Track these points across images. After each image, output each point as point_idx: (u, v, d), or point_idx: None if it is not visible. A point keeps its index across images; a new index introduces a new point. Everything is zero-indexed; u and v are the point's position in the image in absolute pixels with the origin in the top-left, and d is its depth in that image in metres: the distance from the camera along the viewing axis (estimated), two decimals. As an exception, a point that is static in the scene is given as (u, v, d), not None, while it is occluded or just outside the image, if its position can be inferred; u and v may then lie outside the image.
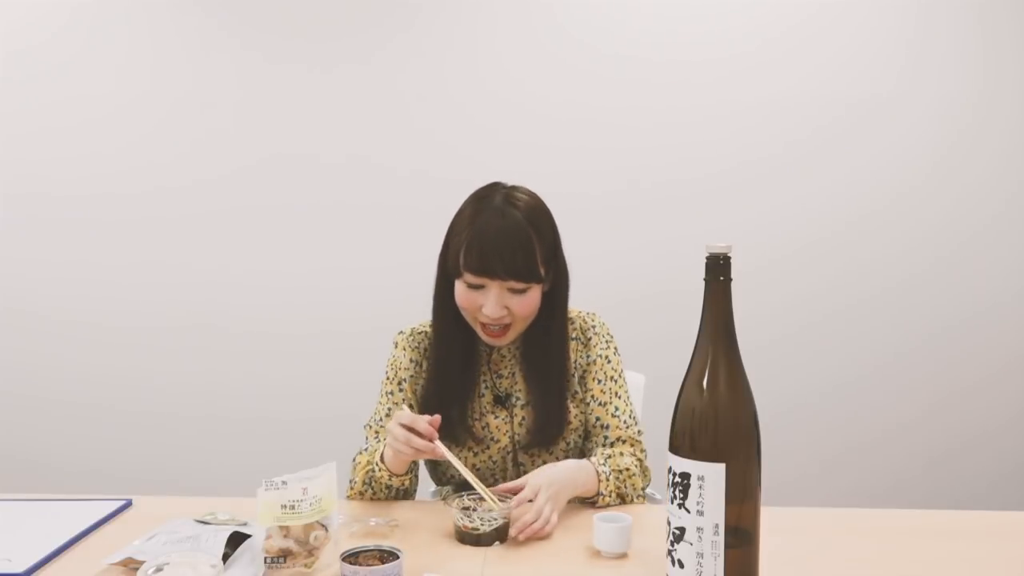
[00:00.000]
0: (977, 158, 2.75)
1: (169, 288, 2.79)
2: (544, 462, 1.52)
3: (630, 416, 1.55)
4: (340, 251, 2.78)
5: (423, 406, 1.53)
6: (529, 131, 2.73)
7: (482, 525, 1.25)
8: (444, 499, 1.40)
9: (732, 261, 1.00)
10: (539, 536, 1.26)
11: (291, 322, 2.79)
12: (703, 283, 1.01)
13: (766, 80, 2.73)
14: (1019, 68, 2.73)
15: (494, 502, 1.28)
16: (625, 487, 1.45)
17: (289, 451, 2.76)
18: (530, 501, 1.28)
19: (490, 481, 1.57)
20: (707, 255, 1.00)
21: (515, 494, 1.30)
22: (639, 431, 1.55)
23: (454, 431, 1.51)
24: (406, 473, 1.45)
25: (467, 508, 1.29)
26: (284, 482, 1.13)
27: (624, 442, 1.53)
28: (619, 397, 1.56)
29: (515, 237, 1.41)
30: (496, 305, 1.42)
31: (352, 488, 1.49)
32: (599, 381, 1.56)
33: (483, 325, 1.47)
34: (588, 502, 1.43)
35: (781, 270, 2.77)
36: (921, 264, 2.78)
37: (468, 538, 1.26)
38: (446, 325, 1.53)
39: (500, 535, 1.26)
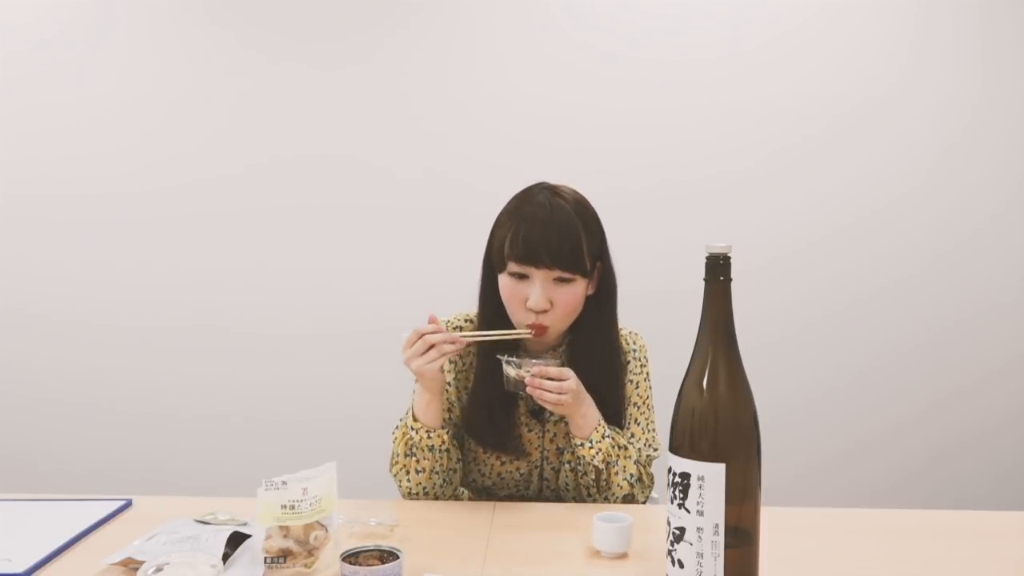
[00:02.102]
0: (977, 158, 2.76)
1: (169, 288, 2.79)
2: (567, 478, 1.52)
3: (646, 444, 1.54)
4: (341, 251, 2.78)
5: (464, 412, 1.53)
6: (529, 131, 2.73)
7: (529, 375, 1.37)
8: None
9: (732, 261, 1.00)
10: (544, 396, 1.37)
11: (291, 322, 2.79)
12: (703, 283, 1.01)
13: (766, 80, 2.73)
14: (1019, 68, 2.73)
15: (521, 335, 1.44)
16: (614, 458, 1.45)
17: (289, 451, 2.76)
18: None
19: (512, 491, 1.57)
20: (707, 255, 0.99)
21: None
22: (649, 457, 1.53)
23: (490, 440, 1.51)
24: (442, 427, 1.45)
25: (514, 362, 1.39)
26: (284, 482, 1.13)
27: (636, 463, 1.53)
28: (638, 424, 1.55)
29: (562, 225, 1.41)
30: (541, 296, 1.41)
31: (396, 464, 1.48)
32: (628, 405, 1.56)
33: (530, 326, 1.44)
34: (575, 445, 1.45)
35: (781, 270, 2.77)
36: (921, 264, 2.78)
37: (520, 386, 1.38)
38: (491, 326, 1.51)
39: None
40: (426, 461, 1.45)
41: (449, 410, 1.54)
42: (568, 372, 1.39)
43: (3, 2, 2.74)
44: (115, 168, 2.77)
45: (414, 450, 1.45)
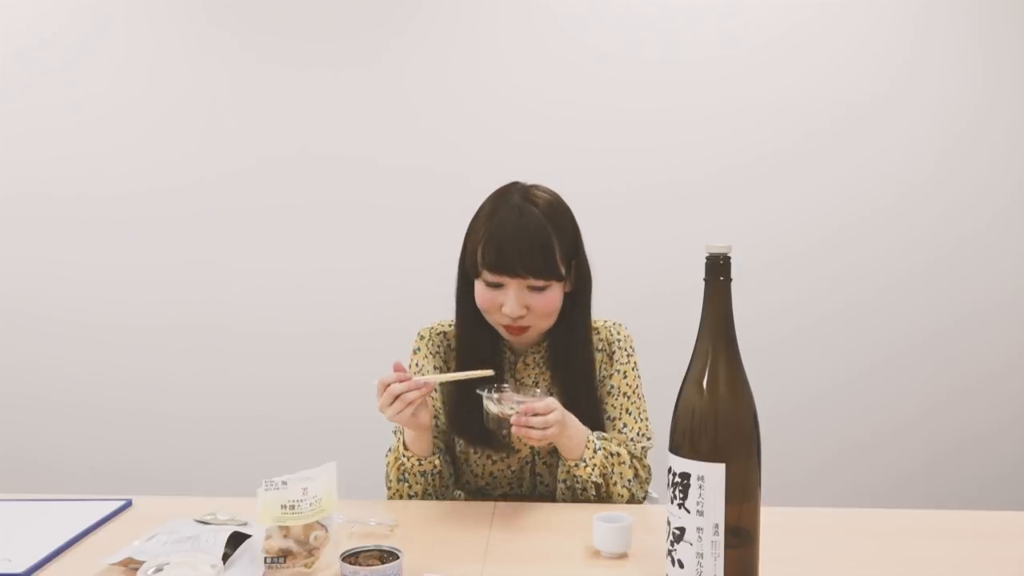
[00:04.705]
0: (977, 158, 2.75)
1: (169, 288, 2.79)
2: (561, 473, 1.51)
3: (639, 434, 1.52)
4: (340, 251, 2.78)
5: (450, 414, 1.53)
6: (529, 130, 2.73)
7: (515, 413, 1.31)
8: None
9: (732, 261, 1.00)
10: (530, 434, 1.32)
11: (291, 322, 2.79)
12: (703, 283, 1.01)
13: (766, 80, 2.73)
14: (1019, 68, 2.73)
15: (485, 374, 1.39)
16: (610, 468, 1.43)
17: (289, 451, 2.76)
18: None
19: (507, 489, 1.57)
20: (707, 255, 1.00)
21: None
22: (644, 448, 1.52)
23: (476, 436, 1.51)
24: (433, 454, 1.46)
25: (494, 398, 1.34)
26: (284, 482, 1.13)
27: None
28: (629, 414, 1.53)
29: (533, 234, 1.40)
30: (516, 304, 1.41)
31: (390, 489, 1.50)
32: (613, 396, 1.54)
33: (506, 328, 1.45)
34: (569, 466, 1.42)
35: (781, 270, 2.77)
36: (921, 264, 2.78)
37: (504, 424, 1.33)
38: (469, 330, 1.52)
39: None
40: (418, 486, 1.47)
41: (436, 417, 1.54)
42: (552, 403, 1.35)
43: (3, 2, 2.74)
44: (114, 168, 2.77)
45: (406, 476, 1.47)
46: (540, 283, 1.41)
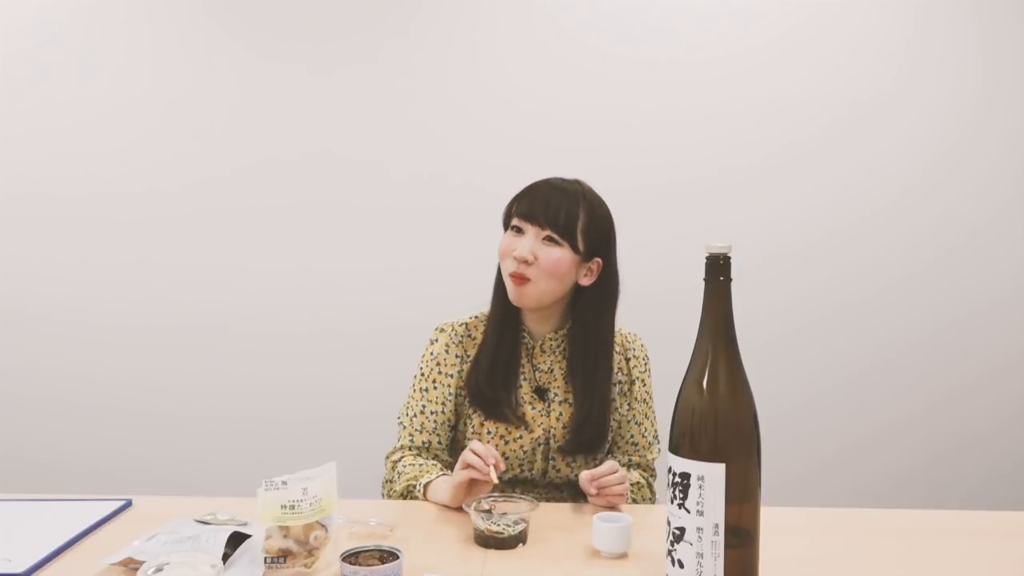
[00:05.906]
0: (976, 158, 2.75)
1: (169, 288, 2.78)
2: (576, 463, 1.58)
3: (654, 437, 1.67)
4: (340, 251, 2.78)
5: (469, 387, 1.58)
6: (530, 131, 2.73)
7: (506, 528, 1.25)
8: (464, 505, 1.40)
9: (732, 261, 1.00)
10: (612, 497, 1.40)
11: (291, 322, 2.79)
12: (703, 283, 1.01)
13: (766, 80, 2.73)
14: (1019, 68, 2.73)
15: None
16: (635, 498, 1.59)
17: (289, 451, 2.76)
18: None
19: (517, 471, 1.58)
20: (707, 255, 1.00)
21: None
22: (653, 458, 1.66)
23: (495, 411, 1.55)
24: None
25: (487, 511, 1.28)
26: (284, 482, 1.13)
27: (638, 467, 1.64)
28: (648, 419, 1.66)
29: (565, 195, 1.53)
30: (527, 247, 1.51)
31: (390, 494, 1.54)
32: (638, 401, 1.65)
33: (511, 275, 1.52)
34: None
35: (781, 270, 2.77)
36: (921, 263, 2.78)
37: (492, 542, 1.25)
38: (500, 310, 1.59)
39: (522, 537, 1.26)
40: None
41: (444, 403, 1.58)
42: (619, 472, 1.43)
43: (3, 2, 2.73)
44: (115, 167, 2.77)
45: (412, 496, 1.49)
46: (555, 236, 1.50)
